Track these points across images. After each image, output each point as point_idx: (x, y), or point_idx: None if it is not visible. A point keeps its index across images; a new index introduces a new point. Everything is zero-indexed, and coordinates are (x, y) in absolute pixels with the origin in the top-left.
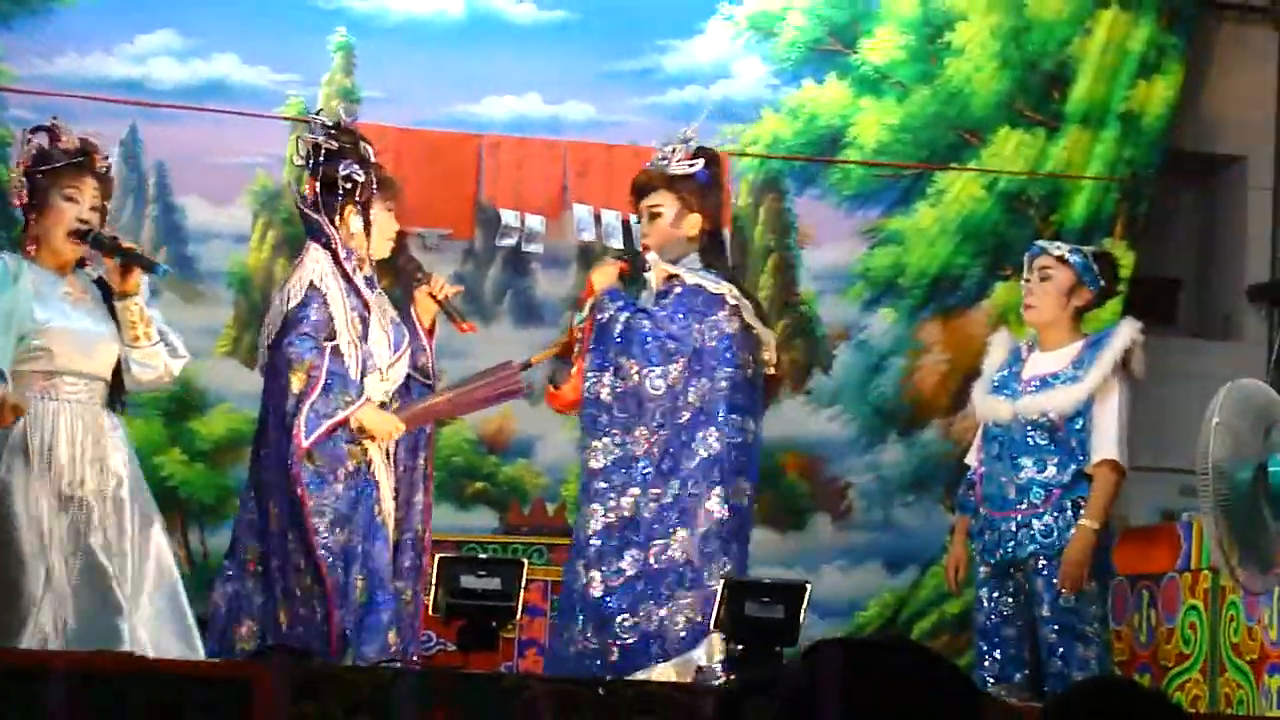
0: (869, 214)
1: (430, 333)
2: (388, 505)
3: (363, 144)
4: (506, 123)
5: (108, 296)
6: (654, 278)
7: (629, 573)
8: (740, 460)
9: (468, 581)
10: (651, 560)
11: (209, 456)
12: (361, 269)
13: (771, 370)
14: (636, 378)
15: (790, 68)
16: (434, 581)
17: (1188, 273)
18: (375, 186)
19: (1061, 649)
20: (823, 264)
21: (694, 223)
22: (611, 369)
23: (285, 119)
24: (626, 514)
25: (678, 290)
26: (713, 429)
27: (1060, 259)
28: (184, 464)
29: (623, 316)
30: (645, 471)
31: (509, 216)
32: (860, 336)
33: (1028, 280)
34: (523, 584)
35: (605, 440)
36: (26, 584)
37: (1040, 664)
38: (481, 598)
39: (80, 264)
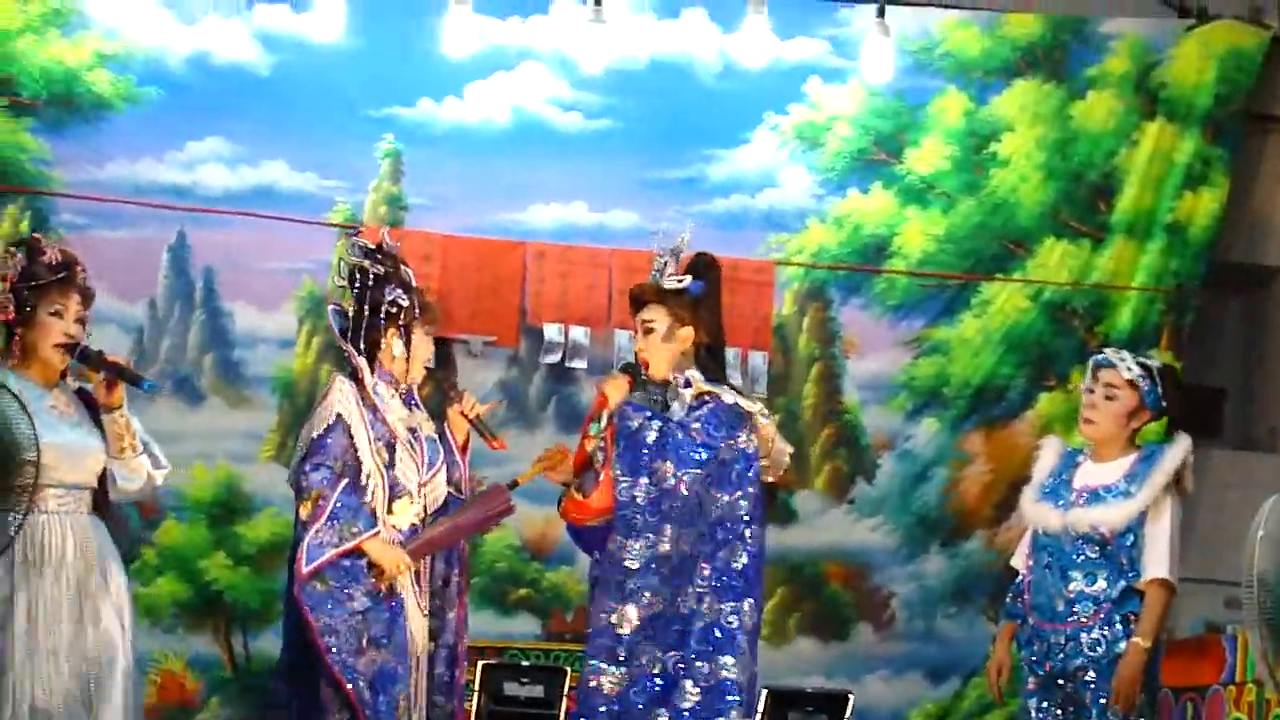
0: (913, 324)
1: (464, 449)
2: (415, 622)
3: (404, 268)
4: (552, 230)
5: (91, 407)
6: (689, 394)
7: (655, 671)
8: (759, 572)
9: (510, 689)
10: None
11: (253, 560)
12: (398, 390)
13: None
14: (672, 481)
15: (836, 177)
16: (476, 688)
17: (1234, 383)
18: (417, 311)
19: None
20: (867, 373)
21: (686, 336)
22: (646, 474)
23: (332, 225)
24: (658, 610)
25: (710, 405)
26: (738, 543)
27: (1130, 384)
28: (229, 568)
29: (655, 425)
30: (673, 572)
31: (552, 331)
32: (904, 446)
33: (1091, 391)
34: (565, 691)
35: (640, 542)
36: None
37: None
38: (524, 705)
39: (62, 376)
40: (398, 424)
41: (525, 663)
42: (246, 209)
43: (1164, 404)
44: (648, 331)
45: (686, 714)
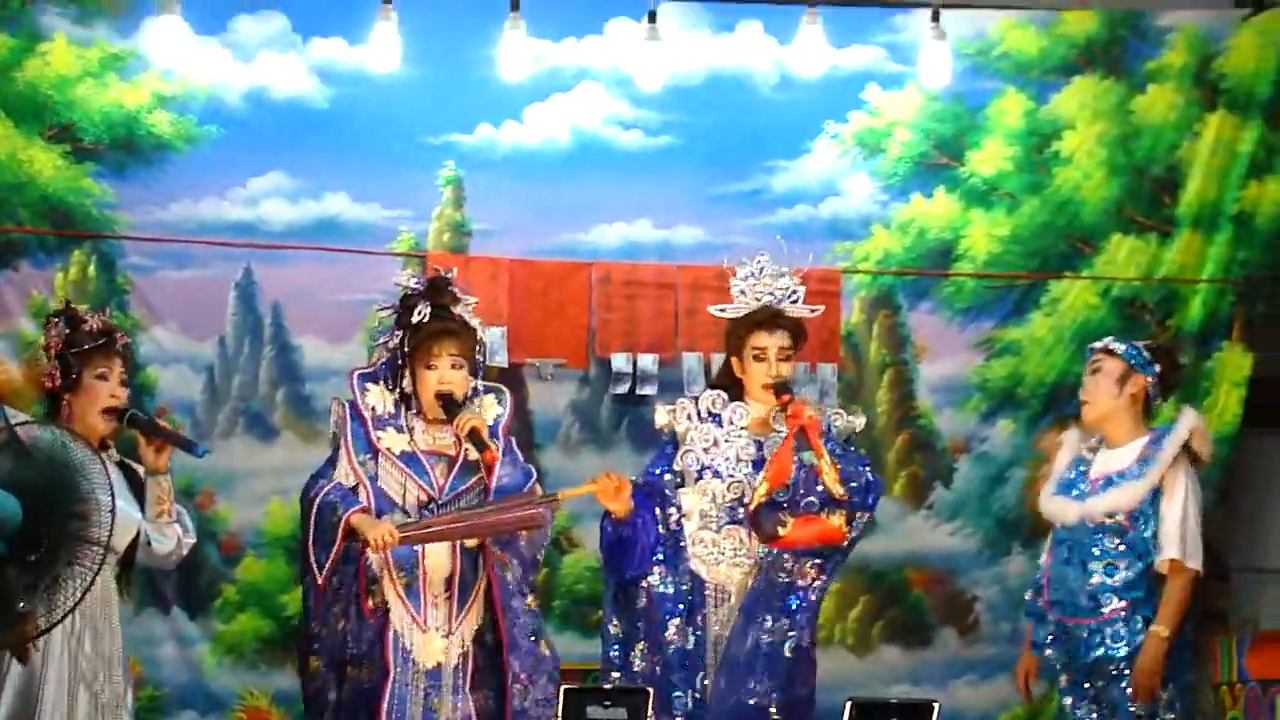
0: (983, 326)
1: (489, 467)
2: (414, 639)
3: (421, 303)
4: (617, 249)
5: (131, 477)
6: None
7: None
8: None
9: (594, 712)
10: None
11: None
12: (428, 415)
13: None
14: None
15: (898, 183)
16: (559, 713)
17: None
18: (410, 350)
19: None
20: (939, 377)
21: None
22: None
23: (397, 255)
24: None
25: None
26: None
27: (1106, 350)
28: None
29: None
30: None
31: (620, 362)
32: (980, 449)
33: (1084, 380)
34: (649, 713)
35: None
36: None
37: None
38: None
39: (104, 446)
40: (394, 441)
41: (608, 685)
42: (311, 242)
43: (1158, 370)
44: (784, 358)
45: None
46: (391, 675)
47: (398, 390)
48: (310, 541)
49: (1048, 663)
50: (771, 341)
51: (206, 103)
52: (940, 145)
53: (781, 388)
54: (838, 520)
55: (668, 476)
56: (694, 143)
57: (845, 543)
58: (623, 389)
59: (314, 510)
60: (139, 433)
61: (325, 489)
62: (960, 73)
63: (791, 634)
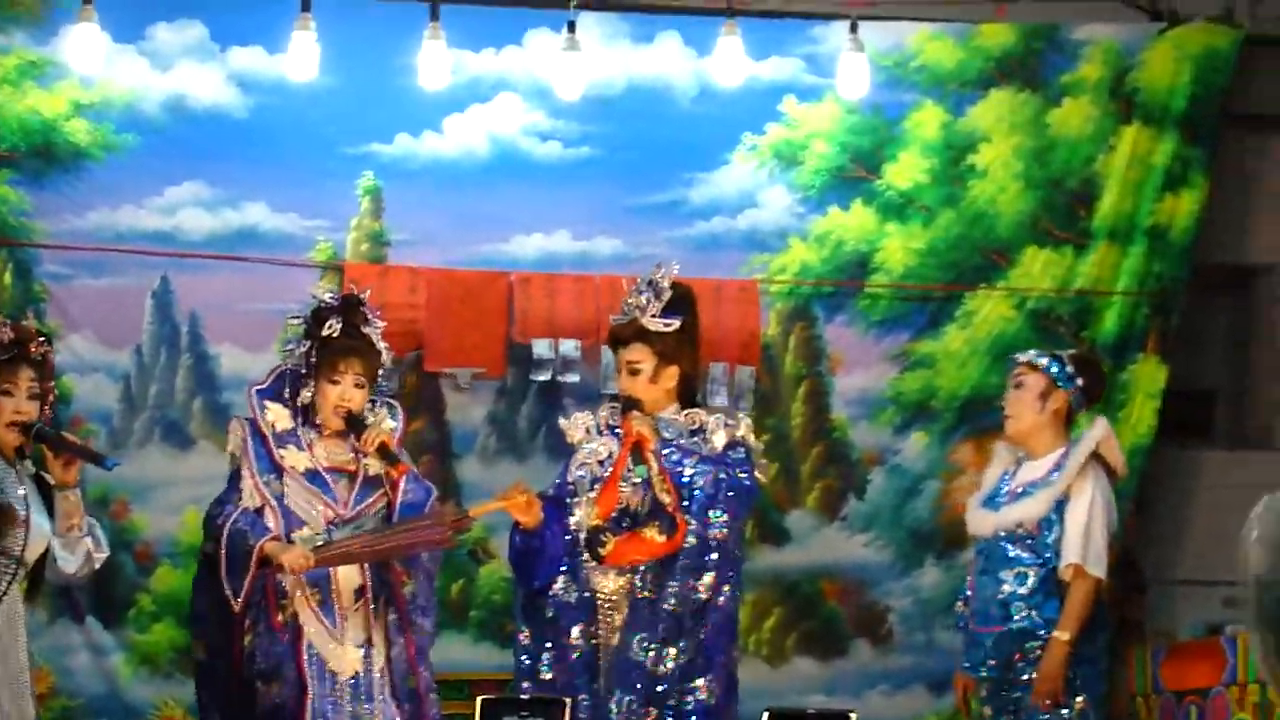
0: (898, 338)
1: (394, 482)
2: (328, 651)
3: (331, 319)
4: (536, 260)
5: (43, 489)
6: (724, 435)
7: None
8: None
9: None
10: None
11: None
12: (329, 432)
13: None
14: (722, 530)
15: (815, 195)
16: None
17: (1223, 384)
18: (317, 361)
19: None
20: (854, 390)
21: (672, 374)
22: (699, 520)
23: (315, 265)
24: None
25: (742, 452)
26: (726, 585)
27: (1030, 364)
28: None
29: (709, 472)
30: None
31: (541, 347)
32: (894, 461)
33: (1007, 393)
34: None
35: (677, 584)
36: None
37: None
38: None
39: (21, 456)
40: (296, 459)
41: (525, 696)
42: (229, 252)
43: (1080, 383)
44: (634, 372)
45: None
46: (310, 690)
47: (296, 403)
48: (223, 570)
49: (970, 671)
50: (625, 355)
51: (124, 111)
52: (857, 158)
53: (628, 404)
54: (651, 533)
55: (569, 487)
56: (613, 154)
57: (678, 550)
58: (544, 375)
59: (224, 539)
60: (46, 447)
61: (233, 515)
62: (878, 85)
63: (674, 646)
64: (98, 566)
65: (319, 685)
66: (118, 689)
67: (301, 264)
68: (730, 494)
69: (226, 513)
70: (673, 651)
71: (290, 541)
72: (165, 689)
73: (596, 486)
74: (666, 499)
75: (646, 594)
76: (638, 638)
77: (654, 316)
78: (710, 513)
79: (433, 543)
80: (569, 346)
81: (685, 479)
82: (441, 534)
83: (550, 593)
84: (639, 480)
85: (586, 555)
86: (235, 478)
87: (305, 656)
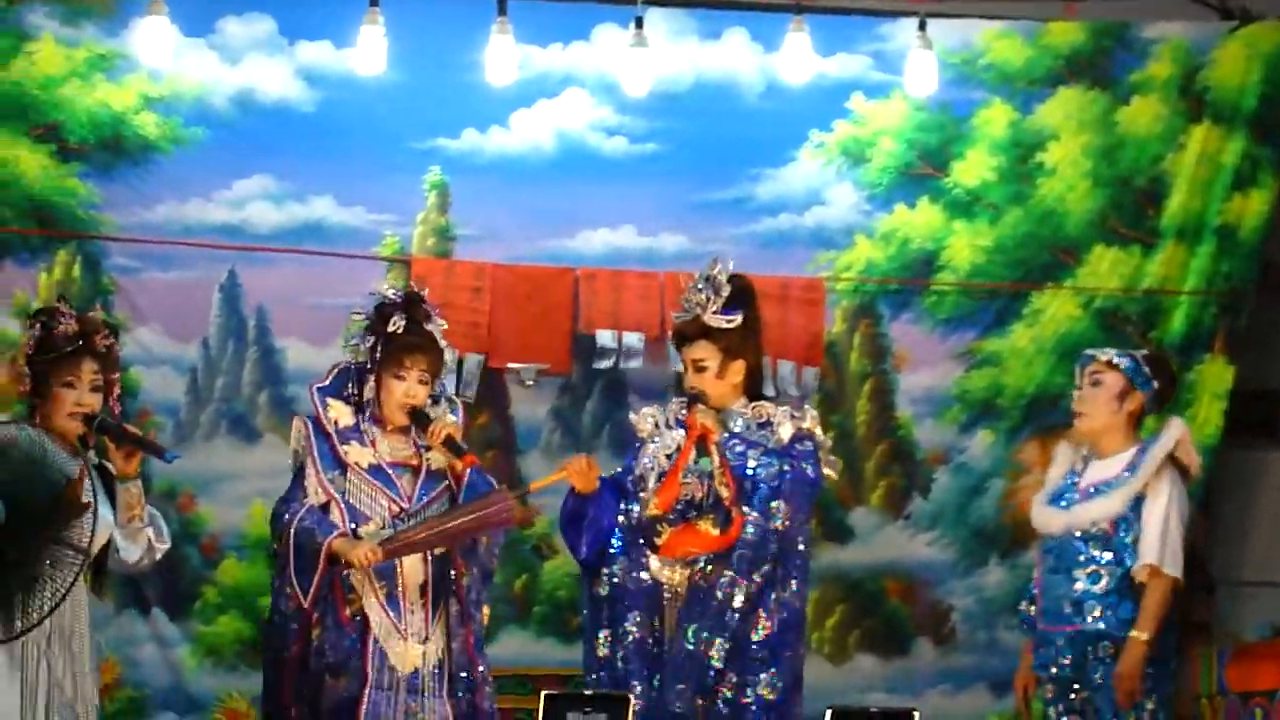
0: (965, 336)
1: (458, 475)
2: (394, 647)
3: (395, 315)
4: (601, 256)
5: (106, 481)
6: (791, 428)
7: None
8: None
9: (573, 718)
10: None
11: None
12: (391, 428)
13: None
14: (783, 522)
15: (882, 193)
16: (540, 719)
17: None
18: (382, 356)
19: None
20: (919, 388)
21: (738, 369)
22: (760, 512)
23: (381, 259)
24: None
25: (810, 445)
26: (793, 581)
27: (1109, 364)
28: None
29: (773, 465)
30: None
31: (605, 337)
32: (959, 459)
33: (1079, 389)
34: (628, 718)
35: (733, 575)
36: None
37: None
38: None
39: (85, 447)
40: (360, 455)
41: (588, 691)
42: (295, 245)
43: (1155, 386)
44: (700, 370)
45: None
46: (370, 681)
47: (358, 398)
48: (291, 569)
49: (1042, 673)
50: (690, 352)
51: (193, 104)
52: (925, 155)
53: (693, 397)
54: (705, 525)
55: (631, 477)
56: (679, 150)
57: (733, 543)
58: (606, 363)
59: (291, 537)
60: (108, 438)
61: (299, 514)
62: (946, 82)
63: (725, 637)
64: (159, 557)
65: (378, 678)
66: (183, 680)
67: (368, 258)
68: (793, 486)
69: (293, 511)
70: (727, 644)
71: (357, 537)
72: (230, 681)
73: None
74: (725, 492)
75: (704, 585)
76: (692, 628)
77: (715, 313)
78: (772, 504)
79: (496, 521)
80: (633, 338)
81: (749, 471)
82: (504, 510)
83: (609, 574)
84: (702, 472)
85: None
86: (299, 476)
87: (370, 650)
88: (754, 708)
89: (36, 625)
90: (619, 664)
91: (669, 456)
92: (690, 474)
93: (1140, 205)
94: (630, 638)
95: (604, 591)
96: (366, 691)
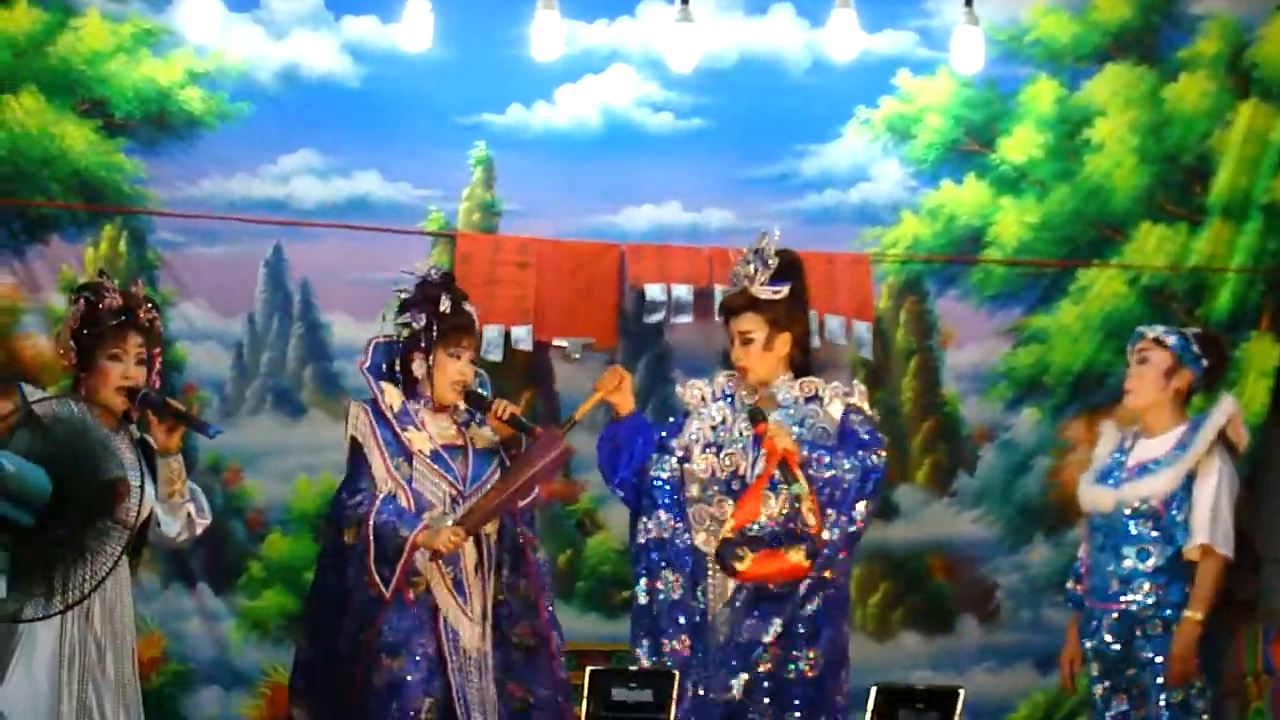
0: (1011, 313)
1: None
2: (462, 628)
3: (443, 295)
4: (646, 232)
5: (148, 455)
6: (840, 405)
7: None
8: None
9: (619, 694)
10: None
11: None
12: (440, 409)
13: None
14: (866, 521)
15: (928, 169)
16: (585, 694)
17: None
18: (437, 334)
19: None
20: (965, 364)
21: (785, 341)
22: (845, 514)
23: (427, 234)
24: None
25: (867, 425)
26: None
27: (1157, 340)
28: None
29: (858, 466)
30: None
31: (654, 291)
32: (1005, 436)
33: (1128, 366)
34: (675, 695)
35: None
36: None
37: None
38: (633, 710)
39: (128, 421)
40: (420, 440)
41: (633, 667)
42: (341, 220)
43: (1205, 364)
44: (747, 342)
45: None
46: (450, 664)
47: (411, 376)
48: (371, 560)
49: (1085, 650)
50: (737, 325)
51: (239, 80)
52: (971, 131)
53: (757, 415)
54: (796, 556)
55: (673, 443)
56: (725, 126)
57: (810, 575)
58: (656, 317)
59: (370, 532)
60: (150, 412)
61: (375, 506)
62: (992, 59)
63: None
64: (199, 533)
65: (455, 660)
66: (228, 654)
67: (414, 233)
68: (875, 482)
69: (366, 505)
70: (778, 621)
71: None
72: (275, 655)
73: (708, 451)
74: (813, 520)
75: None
76: (739, 602)
77: (763, 285)
78: (858, 505)
79: (555, 462)
80: (682, 290)
81: (833, 476)
82: (556, 446)
83: (646, 526)
84: (792, 495)
85: (719, 567)
86: (359, 463)
87: (444, 632)
88: (795, 684)
89: (81, 601)
90: (654, 615)
91: (714, 428)
92: (775, 495)
93: (1187, 182)
94: (663, 594)
95: (642, 540)
96: (449, 671)
